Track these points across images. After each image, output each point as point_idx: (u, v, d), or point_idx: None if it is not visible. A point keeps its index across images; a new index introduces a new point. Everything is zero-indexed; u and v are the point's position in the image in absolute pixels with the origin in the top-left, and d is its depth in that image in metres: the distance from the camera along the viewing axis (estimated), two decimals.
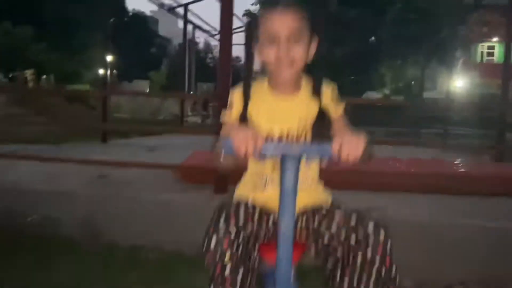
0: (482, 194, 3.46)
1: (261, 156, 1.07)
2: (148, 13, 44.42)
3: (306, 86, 1.39)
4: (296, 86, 1.37)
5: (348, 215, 1.27)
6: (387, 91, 20.80)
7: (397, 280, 1.21)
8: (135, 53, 34.15)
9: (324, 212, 1.33)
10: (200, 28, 13.40)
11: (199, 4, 10.88)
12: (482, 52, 27.27)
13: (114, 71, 24.64)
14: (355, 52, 14.53)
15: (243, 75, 1.38)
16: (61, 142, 6.86)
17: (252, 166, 1.43)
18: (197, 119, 16.34)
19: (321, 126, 1.33)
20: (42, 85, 21.18)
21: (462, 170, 4.27)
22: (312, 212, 1.35)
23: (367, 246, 1.18)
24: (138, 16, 39.76)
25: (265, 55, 1.29)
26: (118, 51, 24.41)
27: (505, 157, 5.43)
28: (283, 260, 1.11)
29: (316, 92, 1.36)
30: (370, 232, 1.19)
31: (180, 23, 13.52)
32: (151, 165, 4.05)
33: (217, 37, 10.15)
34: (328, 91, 1.39)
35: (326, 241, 1.28)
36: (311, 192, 1.40)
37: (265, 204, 1.36)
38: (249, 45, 1.36)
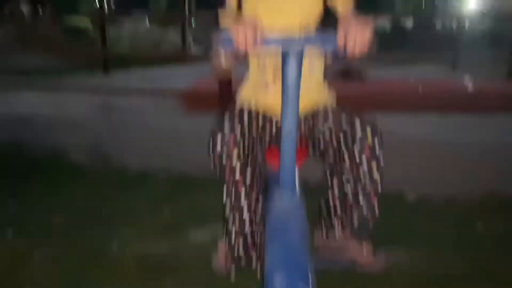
0: (489, 111, 3.42)
1: (262, 49, 1.02)
2: None
3: None
4: None
5: (339, 116, 1.24)
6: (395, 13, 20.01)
7: (380, 182, 1.19)
8: None
9: (321, 112, 1.30)
10: None
11: None
12: None
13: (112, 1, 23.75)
14: None
15: None
16: (63, 74, 6.77)
17: (254, 66, 1.37)
18: (200, 49, 15.96)
19: (327, 22, 1.25)
20: (40, 17, 20.59)
21: (469, 87, 4.20)
22: (312, 112, 1.32)
23: (354, 147, 1.16)
24: None
25: None
26: None
27: None
28: (287, 162, 1.09)
29: None
30: (357, 132, 1.17)
31: None
32: (156, 92, 4.01)
33: None
34: None
35: (321, 143, 1.27)
36: (314, 91, 1.35)
37: (268, 107, 1.33)
38: None
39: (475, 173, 2.78)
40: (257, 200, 1.19)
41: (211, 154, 1.17)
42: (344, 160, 1.19)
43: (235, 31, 0.99)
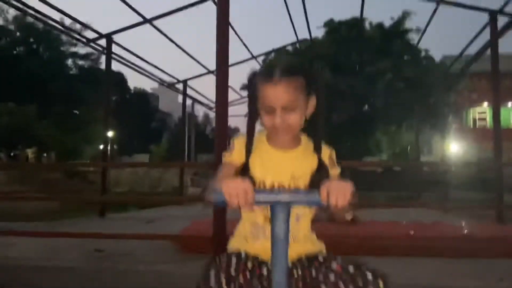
0: (484, 256, 3.42)
1: (252, 207, 1.09)
2: (149, 90, 46.06)
3: (304, 143, 1.42)
4: (294, 143, 1.41)
5: (345, 264, 1.26)
6: (384, 156, 21.04)
7: None
8: (136, 128, 34.97)
9: (320, 261, 1.31)
10: (199, 102, 13.88)
11: (198, 79, 11.41)
12: (474, 117, 28.01)
13: (115, 146, 25.03)
14: (350, 119, 14.90)
15: (247, 127, 1.41)
16: (60, 218, 6.81)
17: (245, 217, 1.43)
18: (197, 191, 16.30)
19: (318, 183, 1.30)
20: (43, 162, 21.41)
21: (463, 232, 4.24)
22: (308, 262, 1.33)
23: None
24: (140, 93, 41.22)
25: (263, 121, 1.34)
26: (119, 126, 25.04)
27: (504, 219, 5.42)
28: None
29: (317, 148, 1.38)
30: (370, 281, 1.19)
31: (180, 98, 14.03)
32: (148, 236, 4.01)
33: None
34: (327, 151, 1.41)
35: None
36: (304, 242, 1.39)
37: (258, 255, 1.35)
38: (250, 101, 1.38)
39: None
40: None
41: None
42: None
43: (226, 189, 1.07)
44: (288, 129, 1.33)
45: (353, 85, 14.40)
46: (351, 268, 1.24)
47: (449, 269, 3.21)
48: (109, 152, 9.35)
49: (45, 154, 22.16)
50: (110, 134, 9.12)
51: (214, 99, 3.95)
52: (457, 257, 3.46)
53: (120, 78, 33.63)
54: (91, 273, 3.35)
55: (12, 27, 26.83)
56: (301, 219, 1.39)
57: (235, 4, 4.14)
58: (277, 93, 1.29)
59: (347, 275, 1.22)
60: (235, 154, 1.39)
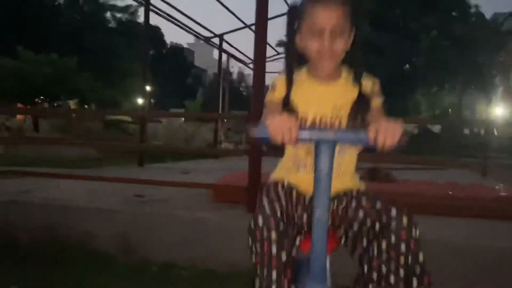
0: None
1: (296, 142, 1.09)
2: (184, 45, 45.98)
3: (345, 75, 1.40)
4: (335, 75, 1.39)
5: (373, 202, 1.28)
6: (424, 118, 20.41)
7: (425, 266, 1.19)
8: (172, 83, 35.32)
9: (352, 198, 1.34)
10: (234, 57, 13.77)
11: (234, 34, 11.26)
12: None
13: (152, 100, 25.48)
14: (389, 78, 14.39)
15: (285, 63, 1.40)
16: (100, 165, 7.11)
17: (289, 149, 1.45)
18: (230, 145, 16.52)
19: (358, 113, 1.34)
20: (83, 111, 22.15)
21: (502, 194, 4.11)
22: (343, 198, 1.36)
23: (390, 231, 1.18)
24: (176, 48, 41.26)
25: (307, 46, 1.32)
26: (155, 81, 25.36)
27: None
28: (318, 249, 1.10)
29: (357, 80, 1.37)
30: (393, 217, 1.19)
31: (216, 53, 13.95)
32: (185, 184, 4.13)
33: (251, 66, 10.37)
34: (369, 83, 1.39)
35: (355, 228, 1.29)
36: (345, 177, 1.40)
37: (299, 186, 1.39)
38: (290, 33, 1.37)
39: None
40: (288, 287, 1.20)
41: (252, 231, 1.20)
42: (380, 246, 1.20)
43: (271, 125, 1.08)
44: (333, 55, 1.30)
45: (395, 41, 13.80)
46: (378, 205, 1.26)
47: (488, 230, 3.14)
48: (146, 106, 9.53)
49: (86, 106, 22.86)
50: (147, 88, 9.28)
51: (250, 54, 3.89)
52: (495, 218, 3.38)
53: (157, 33, 33.69)
54: (131, 216, 3.51)
55: None
56: (346, 154, 1.39)
57: None
58: (329, 14, 1.27)
59: (374, 211, 1.25)
60: (277, 93, 1.38)
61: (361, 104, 1.34)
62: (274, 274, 1.17)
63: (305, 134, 1.08)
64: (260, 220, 1.18)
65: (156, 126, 19.09)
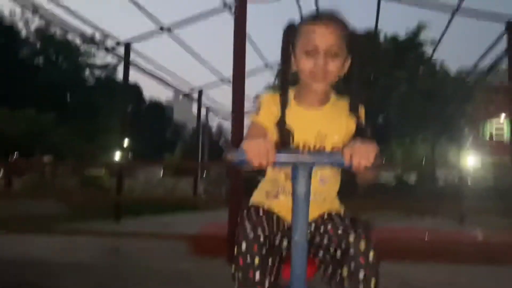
0: (500, 262, 3.37)
1: (273, 166, 1.08)
2: (164, 101, 46.57)
3: (333, 102, 1.39)
4: (323, 100, 1.38)
5: (337, 226, 1.26)
6: (398, 169, 20.81)
7: None
8: (151, 138, 35.30)
9: (326, 222, 1.32)
10: (214, 111, 14.02)
11: (214, 89, 11.54)
12: (491, 130, 27.56)
13: (130, 154, 25.26)
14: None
15: (280, 83, 1.38)
16: (76, 221, 6.89)
17: (269, 173, 1.43)
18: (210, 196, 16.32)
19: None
20: (60, 169, 21.73)
21: (478, 238, 4.19)
22: (320, 222, 1.34)
23: (349, 258, 1.17)
24: (155, 104, 41.70)
25: (301, 65, 1.31)
26: (134, 136, 25.33)
27: None
28: (297, 275, 1.10)
29: (353, 108, 1.34)
30: (351, 242, 1.18)
31: (194, 109, 14.18)
32: (164, 236, 4.05)
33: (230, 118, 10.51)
34: (362, 110, 1.37)
35: (323, 253, 1.29)
36: (326, 204, 1.38)
37: (279, 212, 1.35)
38: (285, 52, 1.35)
39: None
40: None
41: (233, 263, 1.18)
42: (341, 269, 1.20)
43: (248, 148, 1.07)
44: (326, 76, 1.28)
45: (368, 96, 14.38)
46: (340, 229, 1.24)
47: (465, 274, 3.17)
48: (124, 160, 9.46)
49: (61, 162, 22.45)
50: (125, 143, 9.27)
51: (229, 108, 3.99)
52: (472, 263, 3.41)
53: (135, 90, 34.13)
54: (108, 270, 3.40)
55: (33, 38, 27.56)
56: (327, 183, 1.38)
57: (251, 15, 4.22)
58: (325, 35, 1.26)
59: (336, 237, 1.24)
60: (262, 114, 1.35)
61: (360, 135, 1.29)
62: None
63: (282, 158, 1.08)
64: (243, 246, 1.16)
65: (134, 182, 18.84)
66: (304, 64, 1.29)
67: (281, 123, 1.33)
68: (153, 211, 8.63)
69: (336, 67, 1.28)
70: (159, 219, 6.85)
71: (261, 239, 1.17)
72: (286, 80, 1.36)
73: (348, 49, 1.31)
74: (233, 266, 1.18)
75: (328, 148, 1.34)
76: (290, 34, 1.33)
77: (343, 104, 1.37)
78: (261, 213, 1.28)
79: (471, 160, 19.40)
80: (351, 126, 1.36)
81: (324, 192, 1.37)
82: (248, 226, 1.19)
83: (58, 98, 23.95)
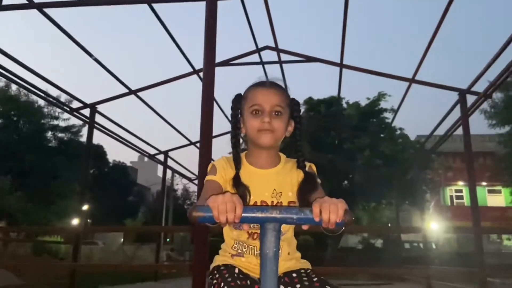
0: None
1: (241, 222, 1.04)
2: (128, 163, 45.80)
3: (284, 161, 1.47)
4: (273, 161, 1.45)
5: (306, 286, 1.26)
6: (364, 234, 20.86)
7: None
8: (113, 201, 34.17)
9: (292, 280, 1.30)
10: (179, 173, 13.81)
11: (179, 151, 11.43)
12: (451, 195, 28.48)
13: (88, 220, 24.23)
14: (331, 193, 14.92)
15: (232, 146, 1.44)
16: None
17: (229, 233, 1.41)
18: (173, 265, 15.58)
19: (307, 192, 1.36)
20: (11, 236, 20.39)
21: None
22: (284, 281, 1.32)
23: None
24: (119, 166, 40.86)
25: (248, 125, 1.41)
26: (95, 200, 24.42)
27: None
28: None
29: (300, 163, 1.43)
30: None
31: (159, 171, 13.96)
32: None
33: (196, 182, 10.40)
34: (310, 168, 1.46)
35: None
36: (287, 258, 1.38)
37: (246, 270, 1.33)
38: (234, 117, 1.46)
39: None
40: None
41: None
42: None
43: (214, 205, 1.03)
44: (272, 133, 1.38)
45: (333, 161, 14.67)
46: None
47: None
48: (82, 226, 9.01)
49: (13, 230, 21.11)
50: (84, 208, 8.87)
51: (194, 170, 3.94)
52: None
53: (99, 151, 33.50)
54: None
55: None
56: (288, 233, 1.40)
57: (218, 79, 4.33)
58: (269, 95, 1.41)
59: None
60: (217, 174, 1.39)
61: (308, 182, 1.38)
62: None
63: (250, 213, 1.04)
64: None
65: (92, 248, 17.84)
66: (252, 123, 1.40)
67: (236, 179, 1.37)
68: (112, 281, 8.10)
69: (280, 125, 1.40)
70: None
71: None
72: (237, 142, 1.45)
73: (290, 114, 1.44)
74: None
75: (285, 204, 1.37)
76: (238, 101, 1.46)
77: (293, 163, 1.47)
78: (233, 272, 1.26)
79: (434, 225, 19.79)
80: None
81: (283, 246, 1.37)
82: (223, 285, 1.17)
83: (15, 162, 23.02)
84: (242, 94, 1.48)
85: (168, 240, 23.28)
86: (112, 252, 17.83)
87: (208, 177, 1.40)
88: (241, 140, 1.47)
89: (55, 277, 8.29)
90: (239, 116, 1.46)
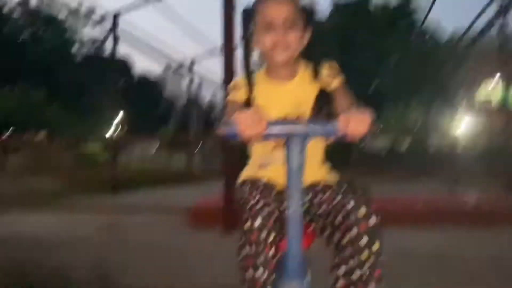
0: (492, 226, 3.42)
1: (266, 138, 1.05)
2: (153, 76, 45.95)
3: (303, 71, 1.42)
4: (292, 72, 1.41)
5: (335, 194, 1.27)
6: (392, 135, 20.85)
7: (378, 257, 1.17)
8: (143, 113, 35.01)
9: (321, 190, 1.32)
10: (205, 83, 13.87)
11: (205, 62, 11.35)
12: (484, 93, 27.54)
13: (124, 129, 25.12)
14: (359, 97, 14.78)
15: (243, 65, 1.41)
16: (74, 195, 6.88)
17: (255, 148, 1.44)
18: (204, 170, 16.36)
19: (323, 107, 1.34)
20: (55, 145, 21.64)
21: (470, 202, 4.24)
22: (312, 191, 1.34)
23: (351, 224, 1.18)
24: (145, 79, 41.15)
25: (261, 42, 1.35)
26: (126, 112, 25.07)
27: None
28: (294, 246, 1.09)
29: (316, 74, 1.38)
30: (351, 209, 1.19)
31: (184, 84, 14.00)
32: (161, 209, 4.07)
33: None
34: (326, 69, 1.40)
35: (323, 221, 1.29)
36: (313, 170, 1.36)
37: (272, 181, 1.35)
38: (245, 34, 1.39)
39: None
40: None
41: (249, 231, 1.14)
42: (343, 236, 1.21)
43: (240, 122, 1.04)
44: (287, 46, 1.33)
45: (362, 62, 14.27)
46: (338, 197, 1.25)
47: (459, 239, 3.23)
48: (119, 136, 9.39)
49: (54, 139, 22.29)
50: (118, 118, 9.16)
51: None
52: (466, 227, 3.46)
53: (125, 65, 33.58)
54: (107, 245, 3.42)
55: (17, 14, 26.77)
56: (315, 149, 1.38)
57: None
58: (279, 7, 1.31)
59: (334, 204, 1.24)
60: (238, 93, 1.38)
61: (323, 100, 1.35)
62: (271, 275, 1.14)
63: (275, 129, 1.05)
64: (258, 222, 1.12)
65: (128, 156, 18.80)
66: (265, 40, 1.33)
67: (248, 103, 1.35)
68: (149, 185, 8.66)
69: (295, 37, 1.33)
70: (155, 193, 6.86)
71: (271, 212, 1.15)
72: (250, 62, 1.41)
73: (306, 21, 1.36)
74: (243, 240, 1.14)
75: (308, 116, 1.35)
76: (247, 16, 1.39)
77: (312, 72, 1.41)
78: (261, 187, 1.26)
79: (465, 124, 19.49)
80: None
81: (310, 156, 1.30)
82: (252, 201, 1.17)
83: (46, 76, 23.53)
84: (252, 8, 1.39)
85: (199, 148, 24.07)
86: (148, 159, 18.76)
87: (230, 97, 1.38)
88: (255, 57, 1.41)
89: (97, 182, 8.93)
90: (250, 32, 1.38)
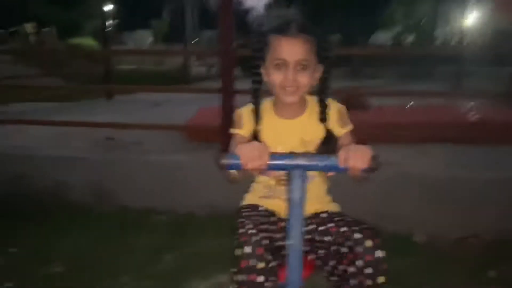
0: (493, 142, 3.36)
1: (268, 170, 1.07)
2: None
3: (311, 108, 1.40)
4: (300, 109, 1.39)
5: (340, 224, 1.28)
6: (398, 29, 20.04)
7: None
8: (135, 2, 33.07)
9: (323, 221, 1.35)
10: None
11: None
12: None
13: (115, 20, 23.98)
14: None
15: (252, 95, 1.38)
16: (67, 100, 6.77)
17: (257, 179, 1.47)
18: (202, 69, 16.01)
19: (328, 148, 1.34)
20: (44, 38, 20.83)
21: (476, 117, 4.11)
22: (314, 221, 1.36)
23: (356, 256, 1.19)
24: None
25: (271, 78, 1.31)
26: (118, 1, 23.71)
27: None
28: (293, 277, 1.10)
29: (322, 116, 1.37)
30: (357, 241, 1.20)
31: None
32: (158, 126, 3.98)
33: None
34: (335, 112, 1.39)
35: (325, 252, 1.31)
36: (315, 202, 1.40)
37: (274, 211, 1.41)
38: (257, 63, 1.35)
39: (481, 211, 2.73)
40: None
41: (238, 259, 1.17)
42: (348, 267, 1.22)
43: (241, 152, 1.05)
44: (296, 89, 1.29)
45: None
46: (344, 228, 1.26)
47: (462, 158, 3.19)
48: (110, 27, 8.93)
49: (46, 29, 21.40)
50: (108, 8, 8.62)
51: None
52: (470, 144, 3.40)
53: None
54: (103, 162, 3.39)
55: None
56: (316, 178, 1.41)
57: None
58: (293, 47, 1.26)
59: (339, 235, 1.26)
60: (244, 127, 1.38)
61: (328, 141, 1.35)
62: None
63: (276, 161, 1.07)
64: (248, 249, 1.16)
65: (123, 49, 18.17)
66: (274, 78, 1.30)
67: (255, 135, 1.35)
68: (145, 82, 8.48)
69: (306, 79, 1.29)
70: (151, 97, 6.68)
71: (265, 241, 1.18)
72: (259, 93, 1.38)
73: (319, 59, 1.31)
74: (236, 267, 1.18)
75: (313, 152, 1.35)
76: (259, 46, 1.33)
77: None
78: (260, 213, 1.31)
79: (473, 17, 18.49)
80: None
81: (313, 189, 1.36)
82: (250, 228, 1.20)
83: None
84: (265, 35, 1.30)
85: (196, 40, 23.25)
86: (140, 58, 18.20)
87: (234, 131, 1.39)
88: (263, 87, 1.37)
89: (91, 76, 8.76)
90: (261, 61, 1.32)
